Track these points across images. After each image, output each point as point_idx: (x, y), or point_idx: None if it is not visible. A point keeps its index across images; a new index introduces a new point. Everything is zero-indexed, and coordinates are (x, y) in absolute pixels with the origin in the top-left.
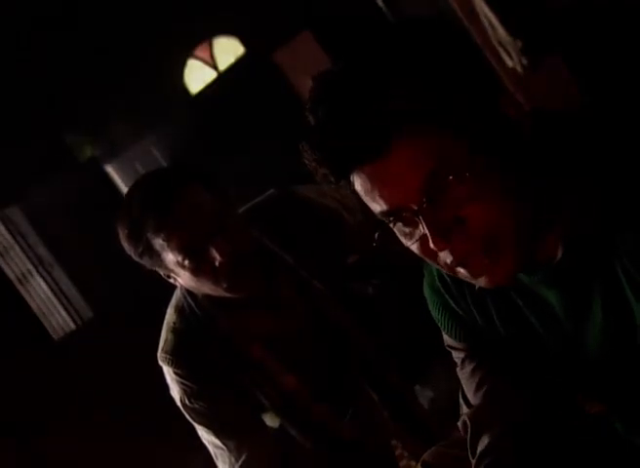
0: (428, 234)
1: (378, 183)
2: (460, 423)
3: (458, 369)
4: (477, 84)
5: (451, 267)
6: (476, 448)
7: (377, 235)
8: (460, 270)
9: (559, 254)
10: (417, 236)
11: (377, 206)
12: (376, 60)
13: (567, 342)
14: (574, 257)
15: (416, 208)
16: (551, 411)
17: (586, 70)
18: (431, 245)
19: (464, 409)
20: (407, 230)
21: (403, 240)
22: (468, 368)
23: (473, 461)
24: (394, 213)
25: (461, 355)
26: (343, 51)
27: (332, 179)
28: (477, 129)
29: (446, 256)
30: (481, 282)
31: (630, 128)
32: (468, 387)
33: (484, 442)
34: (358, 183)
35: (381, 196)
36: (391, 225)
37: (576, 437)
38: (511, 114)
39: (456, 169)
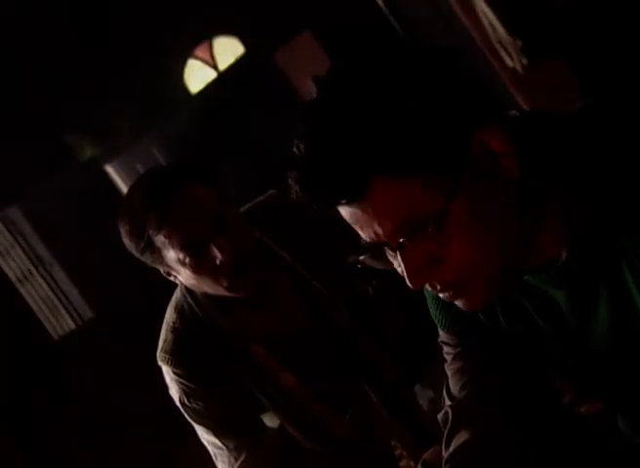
0: (404, 272)
1: (356, 222)
2: (440, 415)
3: (446, 364)
4: (453, 130)
5: None
6: (451, 442)
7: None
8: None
9: (564, 255)
10: (397, 264)
11: (361, 235)
12: (356, 105)
13: (571, 341)
14: (578, 258)
15: (394, 246)
16: (540, 414)
17: (586, 70)
18: (407, 282)
19: (447, 403)
20: (392, 254)
21: (391, 260)
22: (457, 364)
23: (445, 454)
24: (376, 245)
25: (453, 351)
26: (343, 52)
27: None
28: (453, 177)
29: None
30: (459, 305)
31: (631, 128)
32: (455, 383)
33: (461, 438)
34: (342, 214)
35: (362, 232)
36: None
37: (567, 440)
38: (494, 147)
39: (427, 217)
